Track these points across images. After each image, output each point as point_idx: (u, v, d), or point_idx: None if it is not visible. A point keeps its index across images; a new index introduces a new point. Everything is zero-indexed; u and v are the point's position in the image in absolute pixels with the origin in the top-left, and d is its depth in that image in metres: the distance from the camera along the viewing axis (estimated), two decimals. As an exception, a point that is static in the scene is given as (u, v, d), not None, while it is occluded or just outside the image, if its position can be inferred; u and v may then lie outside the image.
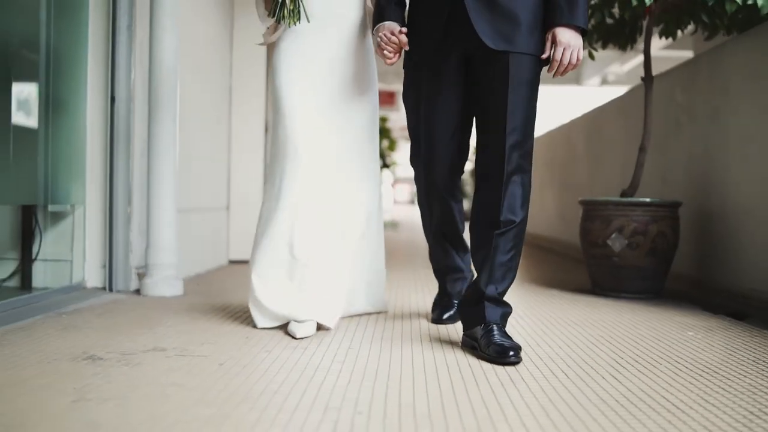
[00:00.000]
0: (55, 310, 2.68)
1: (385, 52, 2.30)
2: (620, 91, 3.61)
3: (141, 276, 3.26)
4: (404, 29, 2.29)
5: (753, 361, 2.14)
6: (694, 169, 3.80)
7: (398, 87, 15.02)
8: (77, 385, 1.67)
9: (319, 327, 2.45)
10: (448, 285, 2.71)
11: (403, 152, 20.43)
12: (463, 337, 2.25)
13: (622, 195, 3.60)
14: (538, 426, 1.47)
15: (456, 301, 2.66)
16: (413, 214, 17.71)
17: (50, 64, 3.04)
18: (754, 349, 2.32)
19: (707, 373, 1.98)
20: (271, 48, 2.58)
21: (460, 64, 2.31)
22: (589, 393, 1.74)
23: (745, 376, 1.94)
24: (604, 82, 14.60)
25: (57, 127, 3.08)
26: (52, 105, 3.05)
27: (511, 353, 2.03)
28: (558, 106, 13.64)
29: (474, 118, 2.40)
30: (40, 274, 3.21)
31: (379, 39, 2.34)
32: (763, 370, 2.01)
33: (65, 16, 3.12)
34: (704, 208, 3.64)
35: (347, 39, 2.52)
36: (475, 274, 2.27)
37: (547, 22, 2.22)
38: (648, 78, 3.65)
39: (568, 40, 2.17)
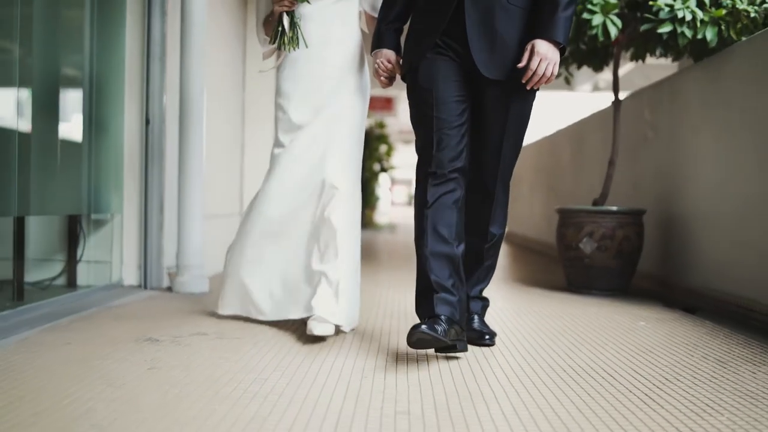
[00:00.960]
0: (104, 304, 3.16)
1: (381, 78, 2.55)
2: (611, 97, 4.03)
3: (171, 276, 3.73)
4: (399, 58, 2.53)
5: (684, 344, 2.62)
6: (659, 179, 4.27)
7: (394, 93, 15.52)
8: (146, 358, 2.15)
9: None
10: (437, 307, 2.57)
11: (400, 156, 20.89)
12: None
13: (594, 204, 4.08)
14: (495, 379, 1.95)
15: (443, 323, 2.58)
16: (410, 216, 18.08)
17: (93, 90, 3.52)
18: (691, 335, 2.80)
19: (643, 353, 2.46)
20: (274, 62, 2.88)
21: (459, 68, 2.39)
22: (544, 366, 2.22)
23: (673, 355, 2.42)
24: (596, 88, 15.07)
25: (99, 145, 3.56)
26: (94, 126, 3.53)
27: (486, 337, 2.52)
28: (550, 111, 14.10)
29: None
30: (84, 274, 3.69)
31: (376, 65, 2.55)
32: (689, 350, 2.50)
33: (106, 49, 3.59)
34: (667, 214, 4.11)
35: (342, 62, 2.71)
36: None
37: (530, 36, 2.35)
38: (616, 101, 4.13)
39: (545, 51, 2.29)
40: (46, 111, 3.14)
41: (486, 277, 2.64)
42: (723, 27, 3.48)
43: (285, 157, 2.71)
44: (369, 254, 6.51)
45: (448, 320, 2.21)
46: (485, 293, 2.71)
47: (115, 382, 1.89)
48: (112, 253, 3.73)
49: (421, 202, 2.36)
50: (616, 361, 2.32)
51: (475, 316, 2.59)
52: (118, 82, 3.68)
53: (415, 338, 2.09)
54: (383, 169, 12.61)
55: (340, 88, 2.71)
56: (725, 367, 2.25)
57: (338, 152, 2.67)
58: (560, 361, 2.28)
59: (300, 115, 2.69)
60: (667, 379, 2.09)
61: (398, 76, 2.58)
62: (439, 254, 2.29)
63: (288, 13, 2.69)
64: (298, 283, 2.67)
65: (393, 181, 12.84)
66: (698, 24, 3.48)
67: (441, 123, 2.36)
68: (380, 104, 15.95)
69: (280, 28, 2.72)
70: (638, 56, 4.25)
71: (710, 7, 3.56)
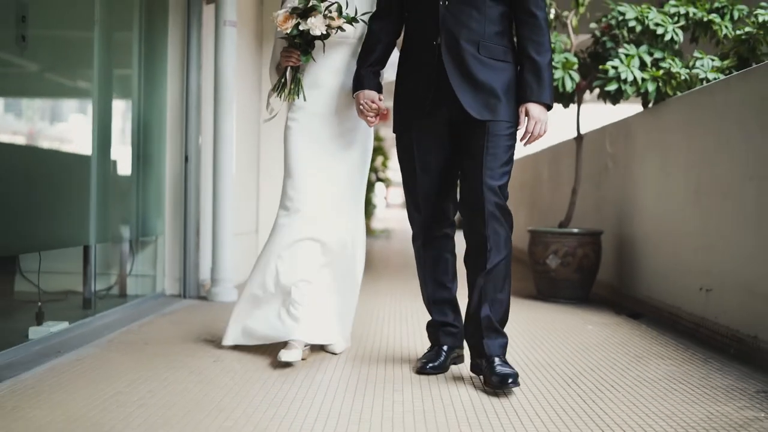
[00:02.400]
0: (158, 312, 3.91)
1: (368, 117, 2.74)
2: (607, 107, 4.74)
3: (206, 287, 4.48)
4: (381, 96, 2.74)
5: (616, 344, 3.38)
6: (616, 203, 5.03)
7: (390, 104, 16.25)
8: (209, 354, 2.90)
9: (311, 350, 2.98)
10: (442, 339, 2.82)
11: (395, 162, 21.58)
12: (471, 361, 2.65)
13: (560, 225, 4.84)
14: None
15: (445, 351, 2.79)
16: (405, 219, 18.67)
17: (141, 132, 4.25)
18: (625, 336, 3.55)
19: (581, 350, 3.21)
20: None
21: (445, 128, 2.65)
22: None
23: (603, 352, 3.18)
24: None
25: (145, 179, 4.30)
26: (142, 162, 4.27)
27: (510, 380, 2.42)
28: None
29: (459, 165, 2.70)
30: (132, 285, 4.43)
31: (361, 106, 2.73)
32: (618, 348, 3.25)
33: (151, 97, 4.33)
34: (621, 234, 4.87)
35: (347, 106, 2.89)
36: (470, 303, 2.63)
37: (520, 96, 2.59)
38: (578, 137, 4.90)
39: (538, 115, 2.56)
40: (105, 151, 3.86)
41: (496, 292, 2.56)
42: (660, 84, 4.24)
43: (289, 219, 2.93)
44: (366, 263, 7.24)
45: (450, 348, 2.78)
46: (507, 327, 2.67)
47: (194, 371, 2.65)
48: (156, 268, 4.47)
49: (418, 253, 2.82)
50: (559, 356, 3.07)
51: (495, 359, 2.51)
52: (161, 125, 4.42)
53: (419, 371, 2.70)
54: (379, 179, 13.37)
55: (343, 123, 2.91)
56: (639, 361, 3.01)
57: (343, 205, 2.95)
58: (516, 357, 3.04)
59: (305, 157, 2.90)
60: (590, 368, 2.85)
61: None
62: (439, 300, 2.79)
63: (293, 67, 2.91)
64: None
65: (389, 184, 13.64)
66: (639, 82, 4.24)
67: (426, 195, 2.70)
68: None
69: (283, 80, 2.94)
70: (602, 96, 5.00)
71: (651, 67, 4.32)
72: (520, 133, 2.62)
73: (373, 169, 12.96)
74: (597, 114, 7.72)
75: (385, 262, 7.54)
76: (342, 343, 3.06)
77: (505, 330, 2.62)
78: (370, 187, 13.12)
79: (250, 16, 5.39)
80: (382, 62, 2.83)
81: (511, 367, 2.51)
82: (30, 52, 3.01)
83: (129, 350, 2.97)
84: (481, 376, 2.56)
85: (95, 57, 3.58)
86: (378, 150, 13.18)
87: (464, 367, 2.80)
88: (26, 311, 3.26)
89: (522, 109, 2.59)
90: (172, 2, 4.40)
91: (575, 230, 4.71)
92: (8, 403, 2.21)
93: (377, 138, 13.33)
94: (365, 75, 2.77)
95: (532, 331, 3.66)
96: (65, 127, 3.62)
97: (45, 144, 3.48)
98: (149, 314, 3.80)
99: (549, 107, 2.60)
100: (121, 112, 4.12)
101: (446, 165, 2.71)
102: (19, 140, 3.22)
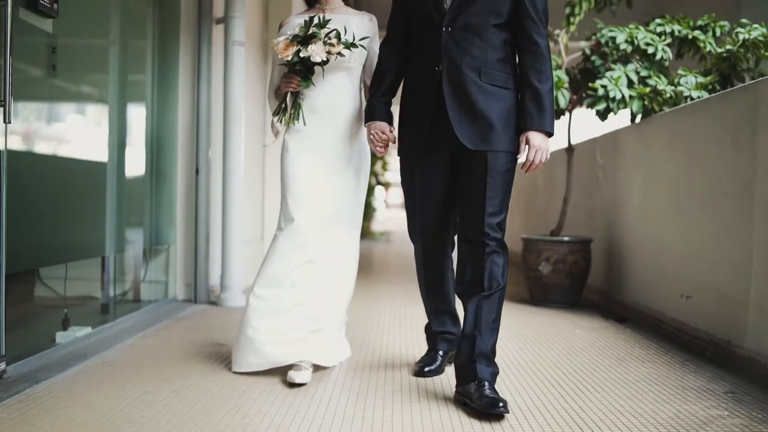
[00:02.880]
0: (172, 316, 4.15)
1: (377, 147, 2.83)
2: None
3: (215, 292, 4.72)
4: (393, 128, 2.82)
5: (602, 347, 3.62)
6: (606, 212, 5.28)
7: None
8: (222, 358, 3.14)
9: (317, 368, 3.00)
10: (439, 344, 3.02)
11: (396, 160, 21.82)
12: (455, 394, 2.60)
13: (551, 234, 5.08)
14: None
15: (441, 356, 3.00)
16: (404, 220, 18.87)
17: (154, 146, 4.49)
18: (610, 340, 3.80)
19: (568, 353, 3.45)
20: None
21: (446, 155, 2.71)
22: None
23: (588, 355, 3.42)
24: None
25: (158, 191, 4.54)
26: (155, 175, 4.51)
27: (500, 404, 2.40)
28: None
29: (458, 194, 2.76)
30: (146, 291, 4.67)
31: (371, 135, 2.82)
32: (602, 352, 3.50)
33: (164, 112, 4.57)
34: (611, 242, 5.12)
35: (344, 128, 2.99)
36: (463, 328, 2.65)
37: (521, 125, 2.60)
38: (569, 148, 5.14)
39: (539, 143, 2.57)
40: (120, 164, 4.10)
41: (490, 336, 2.59)
42: (647, 101, 4.49)
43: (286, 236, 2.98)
44: (365, 266, 7.49)
45: (445, 353, 3.01)
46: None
47: (213, 370, 2.91)
48: (168, 274, 4.72)
49: (419, 270, 2.99)
50: (546, 359, 3.32)
51: (486, 384, 2.50)
52: (172, 139, 4.67)
53: (416, 374, 2.93)
54: (379, 183, 13.65)
55: (342, 148, 2.99)
56: (620, 363, 3.25)
57: (343, 220, 3.02)
58: (506, 359, 3.28)
59: (303, 175, 2.97)
60: (574, 371, 3.09)
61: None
62: (440, 311, 3.01)
63: (293, 93, 2.98)
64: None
65: (389, 186, 13.96)
66: (627, 99, 4.49)
67: (427, 217, 2.82)
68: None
69: (283, 105, 3.01)
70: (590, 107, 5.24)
71: (638, 84, 4.57)
72: (521, 160, 2.63)
73: (373, 173, 13.20)
74: (589, 122, 7.96)
75: (386, 266, 7.77)
76: (339, 354, 3.14)
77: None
78: (370, 191, 13.38)
79: (256, 36, 5.63)
80: (393, 91, 2.88)
81: (499, 395, 2.49)
82: (58, 78, 3.25)
83: (149, 354, 3.22)
84: (466, 401, 2.53)
85: (111, 75, 3.82)
86: (376, 156, 13.43)
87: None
88: (51, 318, 3.49)
89: (523, 138, 2.59)
90: (183, 23, 4.64)
91: (566, 238, 4.95)
92: (47, 403, 2.45)
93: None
94: (376, 105, 2.84)
95: (523, 334, 3.90)
96: (84, 142, 3.85)
97: (65, 157, 3.72)
98: (164, 319, 4.04)
99: (550, 135, 2.61)
100: (136, 127, 4.36)
101: (448, 190, 2.78)
102: (44, 151, 3.46)
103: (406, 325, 4.11)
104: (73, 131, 3.72)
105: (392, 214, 25.29)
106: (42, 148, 3.40)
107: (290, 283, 2.91)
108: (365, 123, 2.89)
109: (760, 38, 4.22)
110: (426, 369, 2.94)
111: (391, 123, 2.86)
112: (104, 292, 4.04)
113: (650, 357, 3.41)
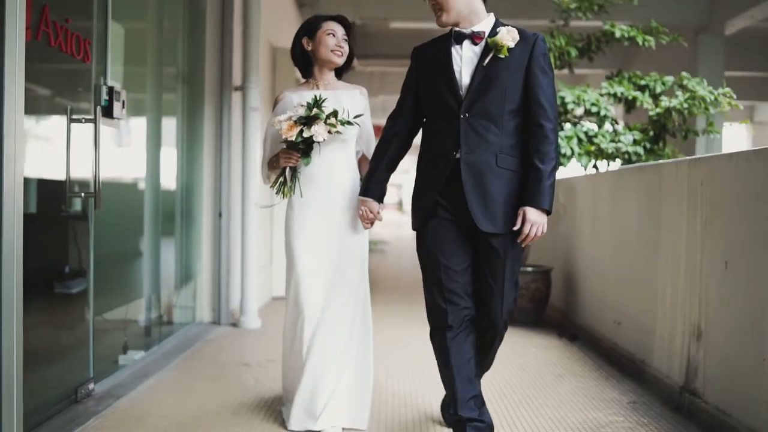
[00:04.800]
0: (203, 338, 5.08)
1: (364, 222, 3.03)
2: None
3: (235, 316, 5.66)
4: (383, 206, 3.02)
5: (548, 364, 4.55)
6: (565, 245, 6.22)
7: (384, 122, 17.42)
8: (251, 376, 4.07)
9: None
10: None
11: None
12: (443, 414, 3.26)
13: (517, 263, 6.03)
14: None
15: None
16: (402, 230, 19.54)
17: (183, 194, 5.41)
18: (558, 357, 4.73)
19: (519, 370, 4.38)
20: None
21: (458, 224, 2.83)
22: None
23: (535, 371, 4.35)
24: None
25: (187, 232, 5.46)
26: (184, 219, 5.44)
27: None
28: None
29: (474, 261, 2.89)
30: (177, 315, 5.59)
31: (361, 211, 2.99)
32: (548, 368, 4.42)
33: (192, 166, 5.49)
34: (568, 270, 6.06)
35: (342, 198, 3.13)
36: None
37: (520, 200, 2.75)
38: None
39: (535, 218, 2.71)
40: (155, 212, 5.00)
41: (486, 364, 3.16)
42: (592, 157, 5.44)
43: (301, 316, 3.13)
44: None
45: None
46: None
47: (244, 386, 3.84)
48: (195, 300, 5.65)
49: (444, 360, 2.90)
50: (499, 375, 4.24)
51: (468, 426, 2.87)
52: (199, 188, 5.59)
53: None
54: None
55: (342, 218, 3.12)
56: (559, 378, 4.19)
57: (346, 299, 3.14)
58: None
59: (308, 249, 3.12)
60: (520, 385, 4.03)
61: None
62: (469, 397, 2.90)
63: (291, 167, 3.13)
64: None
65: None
66: (576, 156, 5.44)
67: (449, 284, 2.81)
68: (377, 132, 17.84)
69: (282, 179, 3.16)
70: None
71: (586, 142, 5.52)
72: (517, 230, 2.76)
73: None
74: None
75: (384, 283, 8.65)
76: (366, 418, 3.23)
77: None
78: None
79: (268, 102, 6.57)
80: (393, 165, 3.02)
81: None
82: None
83: (196, 372, 4.15)
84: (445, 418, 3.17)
85: (151, 136, 4.73)
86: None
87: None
88: (113, 342, 4.41)
89: (521, 213, 2.72)
90: (207, 91, 5.56)
91: (529, 268, 5.89)
92: (132, 413, 3.38)
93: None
94: (373, 183, 2.98)
95: (488, 353, 4.84)
96: (130, 193, 4.77)
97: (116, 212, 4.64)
98: (196, 341, 4.97)
99: (548, 212, 2.75)
100: (168, 178, 5.29)
101: (464, 254, 2.85)
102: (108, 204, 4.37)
103: (414, 367, 5.02)
104: (120, 187, 4.66)
105: (386, 215, 25.99)
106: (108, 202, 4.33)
107: (307, 356, 3.11)
108: (359, 195, 3.04)
109: (683, 105, 5.17)
110: None
111: (382, 201, 3.03)
112: (147, 318, 4.97)
113: (584, 372, 4.35)
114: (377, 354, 4.05)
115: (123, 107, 3.66)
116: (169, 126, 5.19)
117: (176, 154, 5.26)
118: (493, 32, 2.79)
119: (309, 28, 3.26)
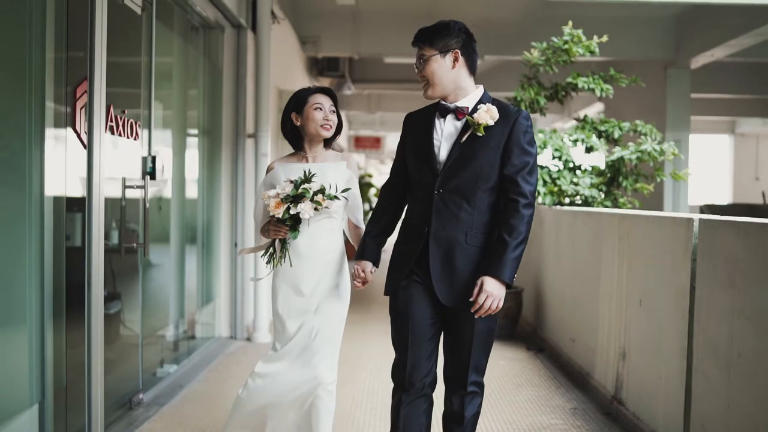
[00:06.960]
0: (223, 352, 5.99)
1: (356, 282, 2.99)
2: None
3: (250, 330, 6.57)
4: (375, 269, 2.97)
5: (512, 375, 5.45)
6: (535, 268, 7.13)
7: (382, 133, 18.40)
8: (266, 387, 4.99)
9: None
10: None
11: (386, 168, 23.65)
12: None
13: (493, 285, 6.94)
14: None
15: None
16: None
17: (204, 228, 6.30)
18: (521, 368, 5.63)
19: (486, 380, 5.28)
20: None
21: (431, 294, 2.80)
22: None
23: (501, 382, 5.24)
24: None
25: (207, 262, 6.36)
26: (205, 251, 6.34)
27: None
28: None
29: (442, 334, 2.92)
30: (199, 330, 6.50)
31: (354, 270, 2.96)
32: (510, 379, 5.32)
33: (212, 204, 6.40)
34: (538, 288, 6.96)
35: (327, 269, 3.23)
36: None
37: (481, 269, 2.67)
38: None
39: (491, 289, 2.61)
40: (182, 244, 5.89)
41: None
42: (554, 197, 6.34)
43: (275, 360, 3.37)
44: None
45: None
46: None
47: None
48: (215, 318, 6.56)
49: (394, 424, 2.89)
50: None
51: None
52: (218, 221, 6.50)
53: None
54: (372, 209, 15.51)
55: (325, 286, 3.23)
56: (518, 388, 5.09)
57: (325, 352, 3.21)
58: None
59: (291, 314, 3.25)
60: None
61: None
62: None
63: (280, 239, 3.23)
64: None
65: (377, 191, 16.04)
66: (541, 195, 6.35)
67: (415, 346, 2.80)
68: (369, 143, 18.86)
69: (271, 249, 3.29)
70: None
71: (550, 183, 6.43)
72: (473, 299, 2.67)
73: (367, 200, 15.04)
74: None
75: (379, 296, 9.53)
76: None
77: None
78: (364, 216, 15.20)
79: (275, 141, 7.50)
80: (389, 231, 3.03)
81: None
82: (152, 183, 5.10)
83: (223, 383, 5.04)
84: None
85: (177, 177, 5.61)
86: (369, 185, 15.28)
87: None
88: (148, 357, 5.29)
89: (478, 282, 2.64)
90: (224, 139, 6.47)
91: (502, 289, 6.80)
92: (175, 419, 4.27)
93: (369, 176, 15.42)
94: (369, 246, 2.99)
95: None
96: (163, 235, 5.67)
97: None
98: (218, 355, 5.88)
99: (507, 285, 2.67)
100: (191, 216, 6.19)
101: (433, 317, 2.84)
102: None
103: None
104: (156, 227, 5.56)
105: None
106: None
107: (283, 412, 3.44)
108: (355, 258, 3.03)
109: (632, 156, 6.08)
110: None
111: (377, 265, 3.02)
112: (177, 335, 5.88)
113: (541, 383, 5.26)
114: (369, 368, 4.80)
115: (163, 170, 4.56)
116: (192, 171, 6.09)
117: (198, 195, 6.17)
118: (475, 108, 2.76)
119: (297, 103, 3.34)
